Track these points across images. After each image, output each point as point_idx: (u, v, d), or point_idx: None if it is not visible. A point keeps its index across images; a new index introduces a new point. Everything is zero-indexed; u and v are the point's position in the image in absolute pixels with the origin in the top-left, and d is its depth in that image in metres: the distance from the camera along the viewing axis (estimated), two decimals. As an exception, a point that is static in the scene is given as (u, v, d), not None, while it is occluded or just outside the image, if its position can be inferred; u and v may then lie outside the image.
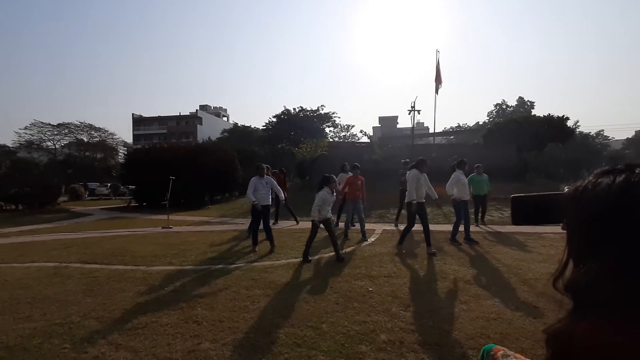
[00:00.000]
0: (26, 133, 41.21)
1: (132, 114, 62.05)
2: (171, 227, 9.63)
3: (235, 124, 50.96)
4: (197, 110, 62.91)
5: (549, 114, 20.27)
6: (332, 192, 5.61)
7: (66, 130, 43.62)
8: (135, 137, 59.23)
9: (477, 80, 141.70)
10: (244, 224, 9.25)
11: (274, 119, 39.15)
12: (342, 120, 59.31)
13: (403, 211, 9.27)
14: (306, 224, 9.18)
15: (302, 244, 6.51)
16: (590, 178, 0.50)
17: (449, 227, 7.33)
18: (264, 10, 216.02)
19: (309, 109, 39.10)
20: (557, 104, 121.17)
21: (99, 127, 45.44)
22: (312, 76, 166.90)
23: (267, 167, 6.97)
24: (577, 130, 31.55)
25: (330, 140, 33.11)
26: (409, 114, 21.50)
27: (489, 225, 8.85)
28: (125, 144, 49.29)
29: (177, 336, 3.02)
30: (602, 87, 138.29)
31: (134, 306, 3.74)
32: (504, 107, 47.16)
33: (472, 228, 6.70)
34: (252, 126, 47.02)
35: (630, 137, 43.96)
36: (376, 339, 2.93)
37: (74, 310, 3.65)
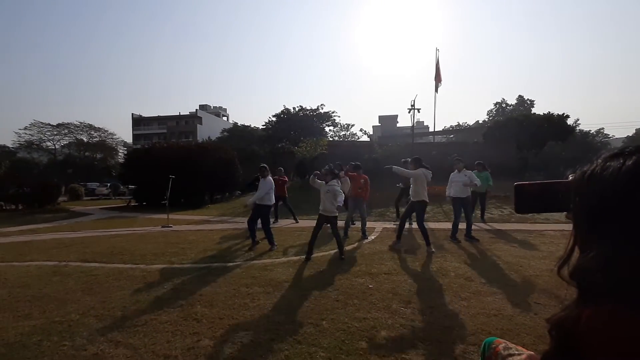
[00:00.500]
0: (26, 133, 41.29)
1: (132, 113, 62.02)
2: (171, 226, 9.62)
3: (235, 124, 50.92)
4: (196, 110, 62.85)
5: (549, 112, 20.28)
6: (327, 183, 5.55)
7: (66, 131, 43.62)
8: (135, 136, 59.22)
9: (477, 79, 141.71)
10: (244, 223, 9.22)
11: (274, 119, 39.15)
12: (342, 119, 59.35)
13: (401, 209, 9.28)
14: (305, 223, 9.18)
15: (302, 242, 6.52)
16: (599, 161, 0.48)
17: (448, 225, 7.33)
18: (264, 10, 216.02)
19: (308, 108, 39.10)
20: (557, 102, 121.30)
21: (99, 127, 45.49)
22: (312, 76, 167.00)
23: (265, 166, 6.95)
24: (577, 128, 31.50)
25: (330, 139, 33.13)
26: (409, 112, 21.45)
27: (489, 223, 8.83)
28: (125, 144, 49.29)
29: (176, 333, 3.01)
30: (602, 86, 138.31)
31: (133, 304, 3.73)
32: (504, 105, 47.11)
33: (462, 225, 6.68)
34: (252, 126, 47.05)
35: (630, 135, 43.93)
36: (376, 335, 2.92)
37: (73, 308, 3.64)
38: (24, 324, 3.28)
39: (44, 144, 43.27)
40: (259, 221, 6.45)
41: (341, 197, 5.47)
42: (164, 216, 10.83)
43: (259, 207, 6.38)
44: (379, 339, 2.85)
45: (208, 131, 52.14)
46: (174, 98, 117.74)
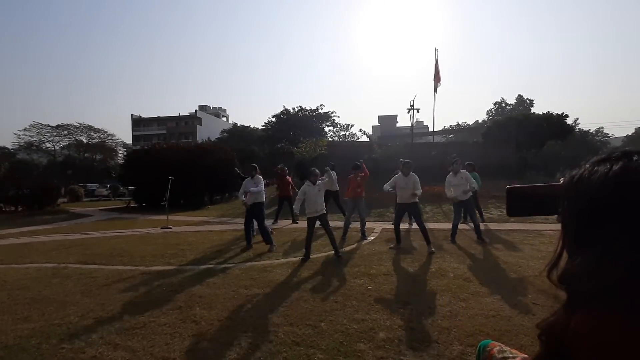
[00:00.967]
0: (25, 135, 41.33)
1: (132, 114, 62.02)
2: (170, 228, 9.62)
3: (235, 124, 50.96)
4: (196, 110, 62.87)
5: (548, 111, 20.26)
6: (314, 184, 5.71)
7: (65, 132, 43.66)
8: (134, 137, 59.21)
9: (476, 79, 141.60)
10: (243, 224, 9.22)
11: (273, 119, 39.19)
12: (341, 119, 59.18)
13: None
14: (305, 224, 9.18)
15: (301, 243, 6.52)
16: (587, 166, 0.49)
17: (447, 225, 7.33)
18: (264, 10, 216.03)
19: (308, 108, 39.12)
20: (557, 101, 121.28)
21: (98, 128, 45.54)
22: (311, 76, 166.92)
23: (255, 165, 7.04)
24: (577, 127, 31.51)
25: (330, 139, 33.14)
26: (408, 113, 21.47)
27: (488, 223, 8.83)
28: (124, 145, 49.30)
29: (175, 336, 3.02)
30: (601, 85, 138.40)
31: (132, 306, 3.74)
32: (503, 105, 47.15)
33: (462, 226, 6.64)
34: (252, 126, 47.08)
35: (630, 134, 43.97)
36: (375, 337, 2.92)
37: (72, 310, 3.65)
38: (23, 326, 3.28)
39: (43, 145, 43.31)
40: (254, 223, 6.50)
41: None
42: (164, 217, 10.83)
43: (253, 206, 6.43)
44: (378, 341, 2.85)
45: (208, 132, 52.16)
46: (174, 99, 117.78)
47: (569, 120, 20.65)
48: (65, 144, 44.54)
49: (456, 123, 50.92)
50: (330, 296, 3.91)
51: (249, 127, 47.03)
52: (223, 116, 71.83)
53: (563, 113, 19.85)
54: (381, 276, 4.60)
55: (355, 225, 8.25)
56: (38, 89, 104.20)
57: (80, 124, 44.16)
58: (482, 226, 7.43)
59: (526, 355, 0.68)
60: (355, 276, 4.63)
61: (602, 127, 39.13)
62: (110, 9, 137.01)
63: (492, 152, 17.00)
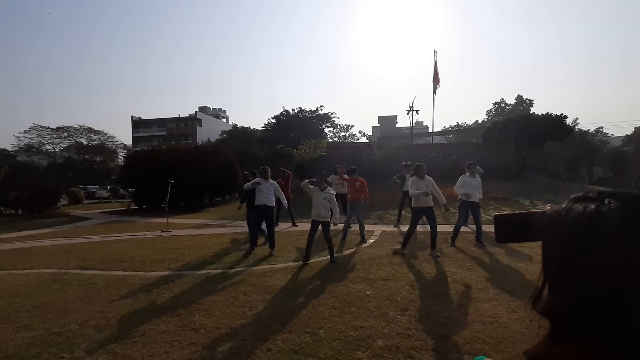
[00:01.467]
0: (25, 137, 41.40)
1: (132, 116, 62.10)
2: (170, 231, 9.63)
3: (235, 125, 51.01)
4: (196, 111, 62.96)
5: (548, 112, 20.25)
6: (322, 190, 5.66)
7: (65, 134, 43.71)
8: (134, 139, 59.28)
9: (476, 79, 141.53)
10: (244, 226, 9.25)
11: (273, 120, 39.16)
12: (341, 120, 59.41)
13: (404, 212, 9.30)
14: (305, 227, 9.19)
15: (301, 246, 6.54)
16: (565, 204, 0.50)
17: (447, 228, 7.34)
18: (263, 11, 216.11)
19: (307, 109, 39.12)
20: (556, 101, 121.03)
21: (99, 130, 45.56)
22: (311, 77, 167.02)
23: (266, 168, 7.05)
24: (576, 127, 31.49)
25: (330, 140, 33.13)
26: (408, 114, 21.50)
27: (487, 225, 8.83)
28: (124, 147, 49.33)
29: (174, 344, 3.03)
30: (601, 84, 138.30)
31: (132, 313, 3.75)
32: (503, 105, 47.16)
33: (464, 228, 6.70)
34: (252, 127, 47.09)
35: (629, 133, 43.90)
36: (373, 344, 2.94)
37: (72, 318, 3.66)
38: (23, 335, 3.29)
39: (43, 147, 43.36)
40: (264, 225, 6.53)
41: (337, 209, 5.77)
42: (164, 220, 10.84)
43: (264, 208, 6.42)
44: (375, 349, 2.86)
45: (208, 133, 52.19)
46: (174, 100, 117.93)
47: (569, 121, 20.64)
48: (65, 146, 44.59)
49: (456, 123, 50.99)
50: (329, 302, 3.92)
51: (248, 128, 47.06)
52: (223, 117, 71.87)
53: (562, 114, 19.85)
54: (380, 281, 4.62)
55: (355, 228, 8.27)
56: (38, 91, 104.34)
57: (81, 125, 44.26)
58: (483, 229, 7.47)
59: None
60: (354, 281, 4.64)
61: (602, 127, 39.14)
62: (111, 10, 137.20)
63: (492, 152, 17.02)
